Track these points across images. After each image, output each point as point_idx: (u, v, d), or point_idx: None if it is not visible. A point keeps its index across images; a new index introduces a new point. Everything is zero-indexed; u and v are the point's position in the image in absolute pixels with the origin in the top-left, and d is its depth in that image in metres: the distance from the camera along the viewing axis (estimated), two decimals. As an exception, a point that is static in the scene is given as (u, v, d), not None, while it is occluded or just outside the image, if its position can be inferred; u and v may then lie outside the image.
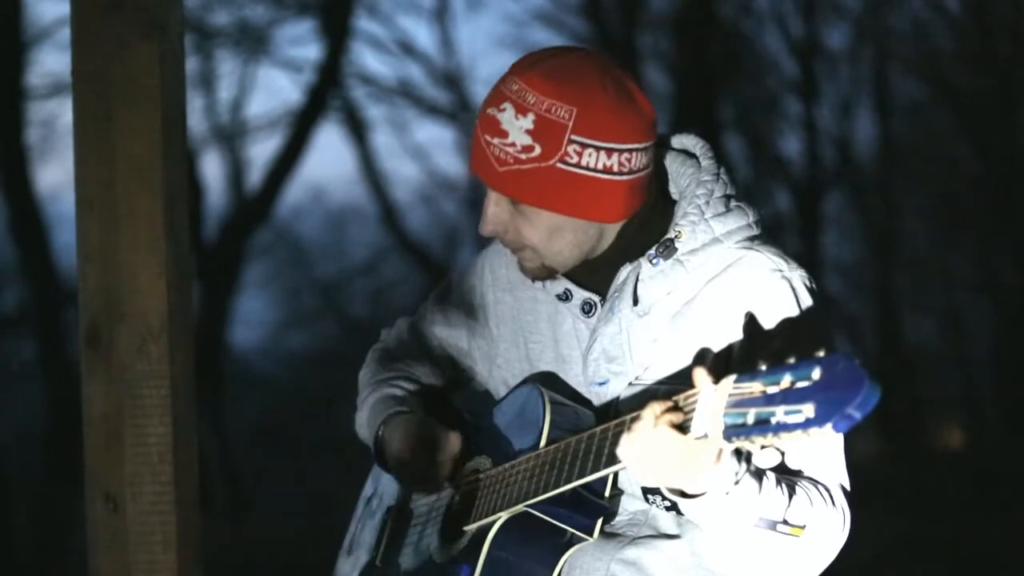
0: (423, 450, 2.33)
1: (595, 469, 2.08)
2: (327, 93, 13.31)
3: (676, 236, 2.21)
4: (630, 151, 2.17)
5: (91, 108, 2.64)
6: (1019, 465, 11.51)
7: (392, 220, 15.46)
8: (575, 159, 2.15)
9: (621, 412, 2.15)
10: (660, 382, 2.20)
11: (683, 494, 2.00)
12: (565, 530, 2.20)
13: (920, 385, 15.46)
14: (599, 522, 2.20)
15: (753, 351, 2.05)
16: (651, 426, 1.94)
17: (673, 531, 2.24)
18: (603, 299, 2.27)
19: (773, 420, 1.74)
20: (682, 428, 1.92)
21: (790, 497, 2.05)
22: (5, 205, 10.70)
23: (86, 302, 2.64)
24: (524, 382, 2.37)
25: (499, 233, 2.24)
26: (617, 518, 2.26)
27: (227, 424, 13.38)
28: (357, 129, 15.01)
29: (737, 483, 1.97)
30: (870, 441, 13.42)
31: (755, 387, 1.78)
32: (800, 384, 1.73)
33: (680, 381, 2.11)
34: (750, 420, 1.77)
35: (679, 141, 2.33)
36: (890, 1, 14.32)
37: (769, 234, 2.27)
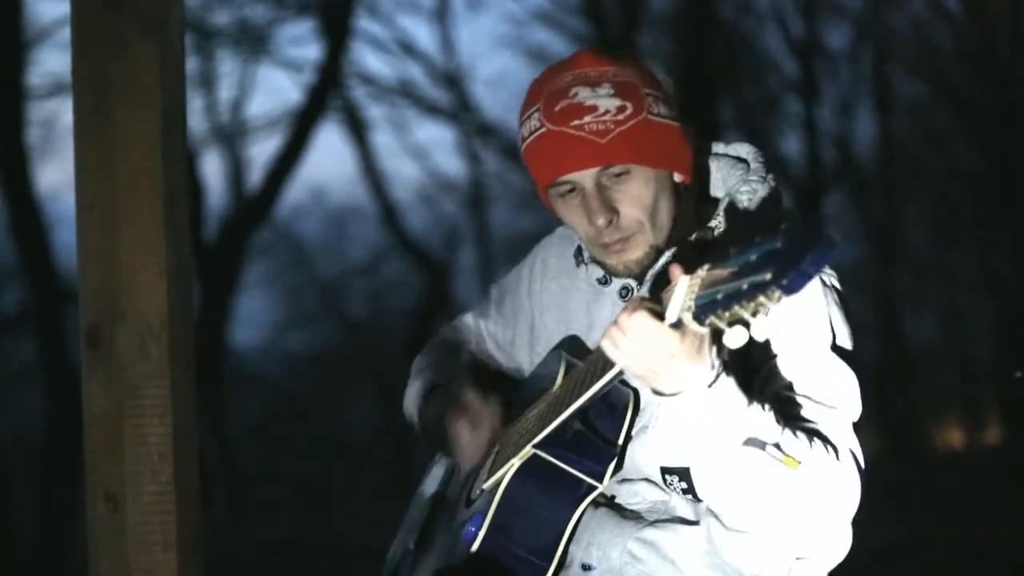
0: (465, 420, 2.39)
1: (591, 383, 2.13)
2: (327, 93, 13.32)
3: (716, 226, 2.29)
4: (670, 98, 2.30)
5: (91, 108, 2.65)
6: (1019, 465, 11.51)
7: (392, 220, 15.46)
8: (656, 109, 2.27)
9: (646, 399, 2.21)
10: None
11: (668, 395, 2.05)
12: (577, 478, 2.20)
13: (920, 385, 15.47)
14: (610, 468, 2.21)
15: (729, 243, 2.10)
16: (628, 314, 2.00)
17: (692, 518, 2.26)
18: (640, 285, 2.33)
19: (740, 291, 1.79)
20: (660, 316, 1.98)
21: (783, 428, 2.08)
22: (5, 205, 10.70)
23: (86, 302, 2.64)
24: (551, 350, 2.43)
25: (613, 219, 2.27)
26: (637, 506, 2.28)
27: (227, 424, 13.38)
28: (357, 129, 15.02)
29: (717, 377, 2.02)
30: (870, 441, 13.42)
31: (725, 270, 1.84)
32: (764, 256, 1.79)
33: None
34: (719, 297, 1.83)
35: (734, 149, 2.43)
36: (890, 1, 14.33)
37: None
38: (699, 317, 1.87)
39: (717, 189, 2.40)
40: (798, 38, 14.92)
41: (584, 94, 2.25)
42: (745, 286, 1.78)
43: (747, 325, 1.81)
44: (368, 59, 16.00)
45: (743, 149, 2.42)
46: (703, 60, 13.72)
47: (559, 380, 2.28)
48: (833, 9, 15.03)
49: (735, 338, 1.83)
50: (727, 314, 1.81)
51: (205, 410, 11.60)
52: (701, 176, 2.40)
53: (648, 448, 2.24)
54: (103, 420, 2.62)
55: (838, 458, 2.12)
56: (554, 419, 2.19)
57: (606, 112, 2.23)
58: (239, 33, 13.59)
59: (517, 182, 15.69)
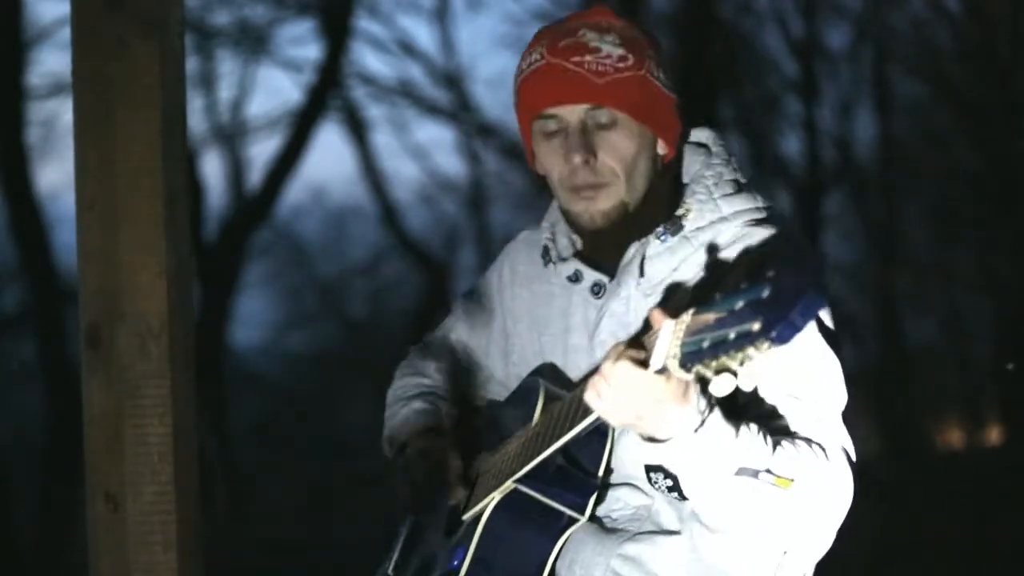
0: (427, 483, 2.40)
1: (572, 426, 2.11)
2: (327, 93, 13.31)
3: (684, 214, 2.27)
4: (671, 74, 2.33)
5: (91, 108, 2.65)
6: (1019, 465, 11.50)
7: (392, 220, 15.45)
8: (655, 72, 2.29)
9: None
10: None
11: (656, 440, 2.03)
12: (558, 510, 2.20)
13: (920, 385, 15.46)
14: (591, 500, 2.21)
15: (713, 286, 2.08)
16: (612, 363, 1.98)
17: (674, 527, 2.24)
18: (612, 280, 2.32)
19: (726, 341, 1.78)
20: (644, 364, 1.95)
21: (774, 448, 2.06)
22: (5, 205, 10.70)
23: (86, 302, 2.64)
24: (528, 376, 2.40)
25: (589, 161, 2.27)
26: (619, 512, 2.27)
27: (227, 424, 13.38)
28: (357, 129, 15.00)
29: (704, 421, 2.00)
30: (870, 441, 13.42)
31: (710, 316, 1.83)
32: (750, 304, 1.77)
33: None
34: (705, 345, 1.81)
35: (695, 135, 2.41)
36: (890, 1, 14.32)
37: (780, 220, 2.30)
38: (685, 365, 1.85)
39: (683, 177, 2.38)
40: (798, 38, 14.91)
41: (591, 36, 2.28)
42: (732, 335, 1.77)
43: (734, 373, 1.80)
44: (368, 59, 15.96)
45: (702, 134, 2.41)
46: (703, 60, 13.71)
47: (538, 413, 2.25)
48: (833, 9, 15.02)
49: (722, 386, 1.82)
50: (714, 363, 1.80)
51: (205, 410, 11.60)
52: (678, 160, 2.38)
53: (631, 449, 2.21)
54: (103, 420, 2.62)
55: (828, 457, 2.12)
56: (534, 457, 2.17)
57: (608, 56, 2.26)
58: (239, 33, 13.59)
59: (517, 182, 15.69)
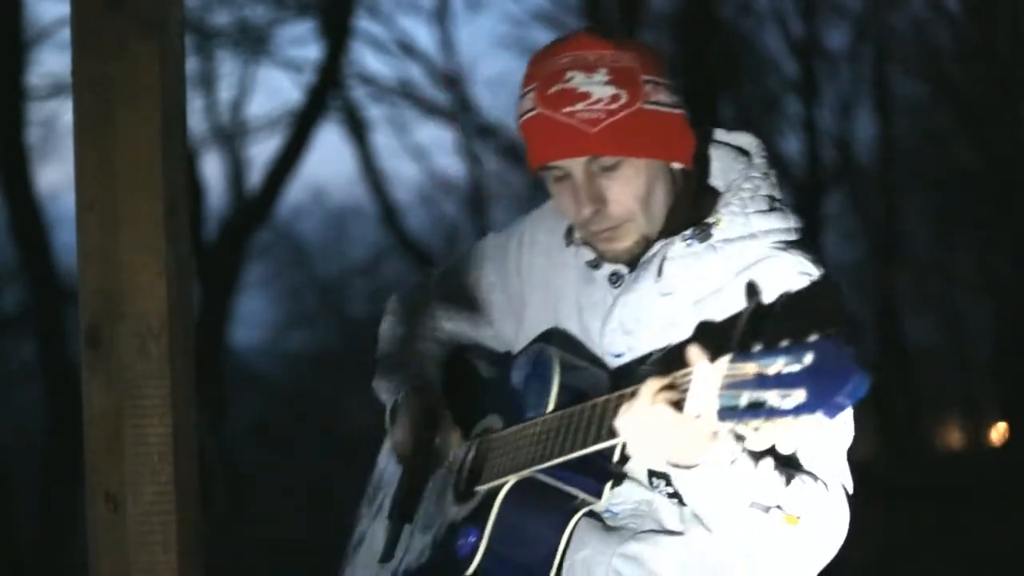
0: (419, 432, 2.41)
1: (596, 441, 2.10)
2: (327, 93, 13.32)
3: (715, 222, 2.24)
4: (672, 85, 2.26)
5: (91, 108, 2.64)
6: (1019, 465, 11.51)
7: (392, 220, 15.46)
8: (653, 97, 2.22)
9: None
10: (671, 365, 2.21)
11: (683, 467, 2.04)
12: (573, 494, 2.21)
13: (920, 385, 15.47)
14: (607, 486, 2.21)
15: (751, 332, 2.05)
16: (647, 403, 1.97)
17: (676, 527, 2.24)
18: (630, 271, 2.30)
19: (766, 404, 1.75)
20: (678, 405, 1.94)
21: (787, 483, 2.07)
22: (5, 205, 10.70)
23: (86, 302, 2.64)
24: (538, 339, 2.39)
25: (600, 210, 2.24)
26: (621, 507, 2.27)
27: (227, 424, 13.38)
28: (357, 129, 15.02)
29: (733, 463, 2.00)
30: (870, 441, 13.42)
31: (749, 368, 1.79)
32: (792, 368, 1.73)
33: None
34: (743, 403, 1.78)
35: (735, 138, 2.38)
36: (890, 1, 14.32)
37: (808, 246, 2.27)
38: (723, 419, 1.82)
39: (716, 179, 2.34)
40: (798, 38, 14.93)
41: (579, 79, 2.21)
42: (773, 399, 1.73)
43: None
44: (368, 59, 15.94)
45: (745, 139, 2.37)
46: (703, 60, 13.72)
47: (553, 396, 2.23)
48: (833, 9, 15.04)
49: (760, 442, 1.81)
50: (754, 423, 1.77)
51: (205, 410, 11.60)
52: (702, 161, 2.34)
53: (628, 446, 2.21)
54: (103, 420, 2.62)
55: (830, 494, 2.13)
56: (555, 455, 2.16)
57: (598, 101, 2.19)
58: (239, 33, 13.60)
59: (517, 182, 15.70)
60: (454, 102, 15.25)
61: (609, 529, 2.26)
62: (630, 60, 2.23)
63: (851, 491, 2.18)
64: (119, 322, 2.61)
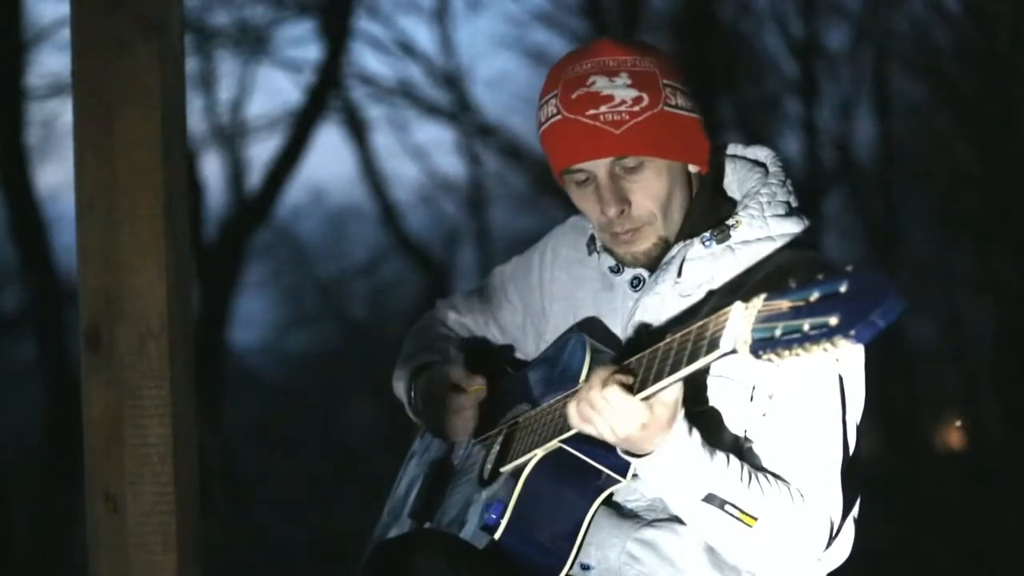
0: (447, 394, 2.44)
1: None
2: (327, 93, 13.30)
3: (734, 225, 2.29)
4: (690, 91, 2.34)
5: (91, 108, 2.64)
6: (1019, 465, 11.50)
7: (392, 220, 15.45)
8: (673, 100, 2.30)
9: None
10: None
11: (633, 455, 2.11)
12: (599, 470, 2.23)
13: (920, 386, 15.46)
14: (632, 463, 2.22)
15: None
16: (599, 389, 2.05)
17: None
18: (651, 274, 2.35)
19: (800, 332, 1.76)
20: (631, 389, 2.02)
21: (748, 484, 2.11)
22: (5, 205, 10.70)
23: (86, 302, 2.64)
24: (568, 331, 2.43)
25: (624, 210, 2.29)
26: (636, 503, 2.30)
27: (227, 424, 13.37)
28: (357, 129, 15.01)
29: (682, 446, 2.07)
30: (870, 441, 13.41)
31: (784, 303, 1.81)
32: (827, 297, 1.75)
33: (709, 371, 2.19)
34: (778, 333, 1.79)
35: (752, 152, 2.44)
36: (890, 1, 14.32)
37: (815, 247, 2.35)
38: (755, 351, 1.84)
39: (732, 189, 2.41)
40: (798, 38, 14.91)
41: (601, 83, 2.27)
42: (807, 327, 1.75)
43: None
44: (368, 59, 15.96)
45: (762, 152, 2.43)
46: (703, 60, 13.71)
47: (585, 370, 2.26)
48: (833, 9, 15.02)
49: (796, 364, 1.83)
50: (786, 352, 1.79)
51: (205, 410, 11.61)
52: (717, 170, 2.41)
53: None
54: (103, 421, 2.62)
55: (804, 507, 2.16)
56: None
57: (622, 103, 2.26)
58: (239, 33, 13.58)
59: (517, 182, 15.70)
60: (454, 102, 15.25)
61: (624, 515, 2.29)
62: (651, 65, 2.30)
63: (837, 520, 2.19)
64: (119, 322, 2.62)
